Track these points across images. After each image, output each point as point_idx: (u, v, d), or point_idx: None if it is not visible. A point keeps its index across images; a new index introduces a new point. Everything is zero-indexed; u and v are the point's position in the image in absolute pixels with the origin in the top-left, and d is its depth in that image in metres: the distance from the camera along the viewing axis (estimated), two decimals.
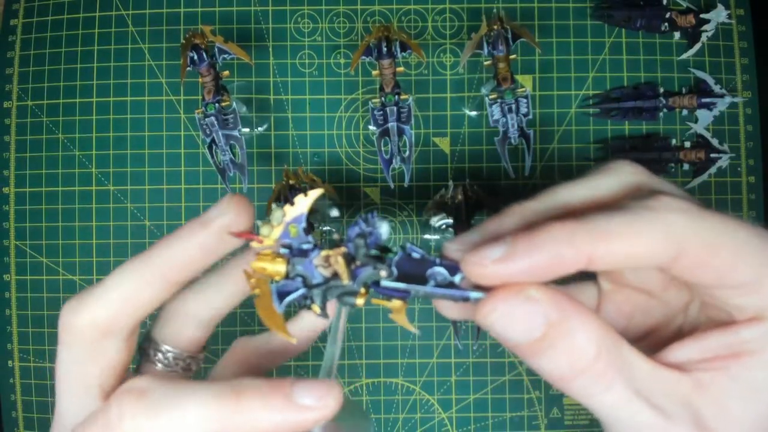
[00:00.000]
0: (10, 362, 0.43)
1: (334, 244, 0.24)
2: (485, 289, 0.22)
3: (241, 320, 0.43)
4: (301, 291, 0.24)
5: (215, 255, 0.25)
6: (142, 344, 0.29)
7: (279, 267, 0.24)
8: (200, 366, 0.30)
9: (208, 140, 0.39)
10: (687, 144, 0.42)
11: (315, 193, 0.24)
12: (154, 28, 0.43)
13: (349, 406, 0.26)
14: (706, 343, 0.24)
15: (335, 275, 0.24)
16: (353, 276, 0.24)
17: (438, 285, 0.23)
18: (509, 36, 0.38)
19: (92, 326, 0.25)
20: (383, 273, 0.23)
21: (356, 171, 0.43)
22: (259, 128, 0.43)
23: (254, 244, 0.24)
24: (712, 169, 0.42)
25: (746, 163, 0.43)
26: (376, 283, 0.24)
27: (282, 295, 0.24)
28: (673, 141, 0.42)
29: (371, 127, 0.40)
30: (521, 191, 0.43)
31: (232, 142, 0.40)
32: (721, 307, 0.25)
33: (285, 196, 0.40)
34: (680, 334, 0.27)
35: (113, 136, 0.43)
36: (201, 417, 0.21)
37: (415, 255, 0.23)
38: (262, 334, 0.32)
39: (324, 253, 0.24)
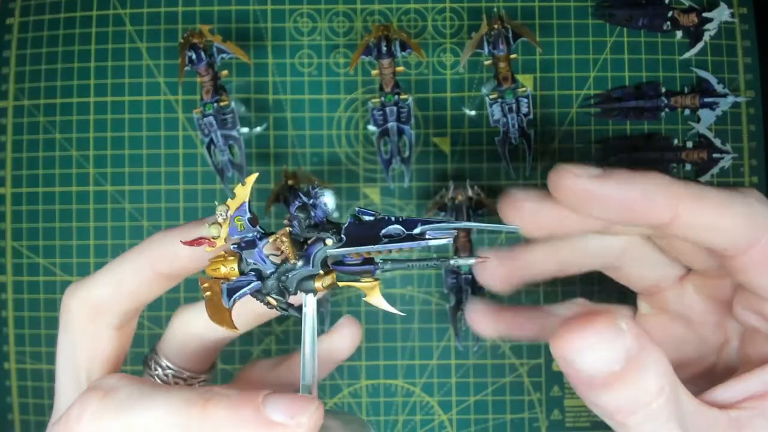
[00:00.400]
0: (6, 364, 0.43)
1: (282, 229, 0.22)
2: (449, 237, 0.20)
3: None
4: (254, 284, 0.22)
5: (203, 258, 0.24)
6: (145, 356, 0.29)
7: (231, 266, 0.22)
8: (204, 386, 0.29)
9: (207, 140, 0.39)
10: (689, 144, 0.42)
11: (251, 179, 0.23)
12: (151, 27, 0.43)
13: (345, 420, 0.24)
14: (749, 383, 0.23)
15: (286, 260, 0.22)
16: (304, 256, 0.22)
17: (392, 241, 0.21)
18: (510, 35, 0.38)
19: (84, 306, 0.25)
20: (329, 240, 0.21)
21: (356, 171, 0.43)
22: (258, 128, 0.42)
23: (208, 249, 0.23)
24: (715, 170, 0.42)
25: (749, 164, 0.42)
26: (338, 263, 0.22)
27: (232, 291, 0.22)
28: (675, 141, 0.42)
29: (371, 127, 0.40)
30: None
31: (230, 142, 0.39)
32: (761, 336, 0.24)
33: (284, 197, 0.40)
34: (713, 373, 0.27)
35: (111, 136, 0.43)
36: (163, 422, 0.20)
37: (367, 217, 0.22)
38: (274, 358, 0.31)
39: (271, 238, 0.22)
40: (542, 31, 0.42)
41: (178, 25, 0.43)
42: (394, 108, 0.39)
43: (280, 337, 0.43)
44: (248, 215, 0.22)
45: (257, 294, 0.23)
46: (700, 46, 0.42)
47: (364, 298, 0.22)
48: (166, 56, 0.43)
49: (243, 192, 0.23)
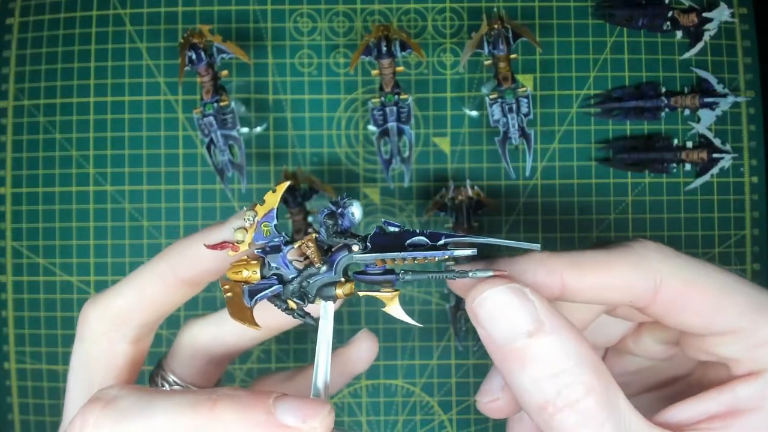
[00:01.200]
0: (6, 364, 0.43)
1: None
2: (473, 248, 0.21)
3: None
4: (276, 287, 0.23)
5: (226, 260, 0.24)
6: (152, 373, 0.29)
7: (254, 269, 0.23)
8: None
9: (207, 140, 0.39)
10: (689, 144, 0.42)
11: (283, 187, 0.23)
12: (151, 27, 0.43)
13: None
14: (706, 403, 0.23)
15: (309, 265, 0.23)
16: (328, 262, 0.22)
17: (416, 249, 0.21)
18: (510, 35, 0.38)
19: (103, 317, 0.25)
20: (354, 247, 0.22)
21: (356, 171, 0.43)
22: (258, 128, 0.42)
23: (230, 253, 0.23)
24: (715, 170, 0.41)
25: (749, 164, 0.42)
26: (359, 273, 0.23)
27: (254, 293, 0.23)
28: (675, 141, 0.42)
29: (371, 127, 0.40)
30: (521, 192, 0.43)
31: (230, 142, 0.39)
32: (717, 362, 0.25)
33: (284, 197, 0.39)
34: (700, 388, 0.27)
35: (111, 136, 0.42)
36: (170, 426, 0.20)
37: (393, 228, 0.22)
38: (284, 371, 0.31)
39: (297, 244, 0.23)
40: (542, 31, 0.42)
41: (178, 25, 0.43)
42: (394, 108, 0.39)
43: (280, 337, 0.43)
44: (275, 222, 0.23)
45: (276, 299, 0.23)
46: (700, 46, 0.42)
47: (383, 308, 0.23)
48: (166, 56, 0.43)
49: (273, 199, 0.23)
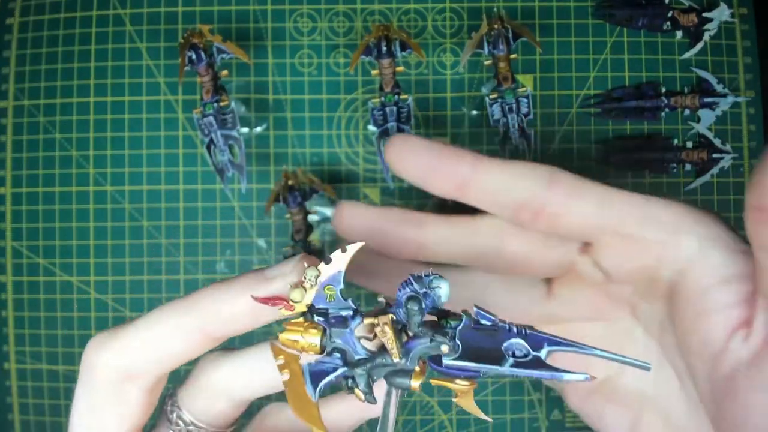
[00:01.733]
0: (6, 364, 0.43)
1: (380, 310, 0.20)
2: (585, 375, 0.18)
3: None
4: (341, 370, 0.20)
5: (267, 318, 0.21)
6: (164, 405, 0.26)
7: (313, 339, 0.20)
8: None
9: (207, 140, 0.39)
10: (689, 144, 0.42)
11: (355, 248, 0.20)
12: (151, 27, 0.43)
13: None
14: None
15: (382, 349, 0.19)
16: (405, 351, 0.19)
17: (519, 364, 0.18)
18: (510, 35, 0.38)
19: (116, 367, 0.22)
20: (445, 348, 0.19)
21: (356, 171, 0.43)
22: (258, 128, 0.42)
23: (283, 311, 0.20)
24: (715, 170, 0.41)
25: (749, 163, 0.42)
26: (435, 359, 0.19)
27: (316, 376, 0.20)
28: (675, 141, 0.42)
29: (371, 127, 0.40)
30: None
31: (230, 142, 0.39)
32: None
33: (284, 197, 0.40)
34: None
35: (111, 136, 0.42)
36: None
37: (485, 322, 0.19)
38: (284, 404, 0.28)
39: (368, 321, 0.20)
40: (542, 31, 0.42)
41: (178, 25, 0.43)
42: (394, 108, 0.39)
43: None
44: (341, 286, 0.20)
45: (340, 379, 0.20)
46: (700, 46, 0.42)
47: (454, 399, 0.20)
48: (166, 56, 0.43)
49: (341, 260, 0.20)
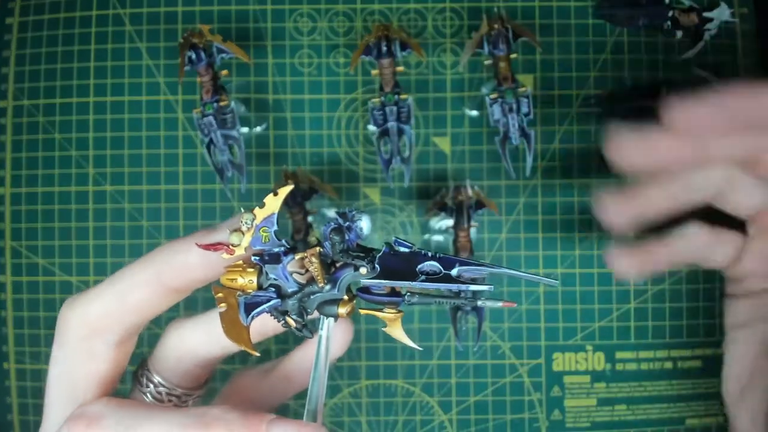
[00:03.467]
0: (6, 364, 0.43)
1: (310, 246, 0.21)
2: (490, 286, 0.20)
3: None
4: (273, 302, 0.21)
5: (216, 265, 0.23)
6: (136, 371, 0.28)
7: (250, 278, 0.21)
8: (197, 402, 0.28)
9: (206, 140, 0.39)
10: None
11: (285, 191, 0.22)
12: (151, 27, 0.42)
13: None
14: None
15: (311, 281, 0.21)
16: (331, 280, 0.21)
17: (430, 279, 0.20)
18: (510, 35, 0.38)
19: (83, 322, 0.24)
20: (363, 270, 0.21)
21: (355, 171, 0.43)
22: (258, 128, 0.42)
23: (225, 256, 0.22)
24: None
25: None
26: (363, 290, 0.21)
27: (250, 307, 0.21)
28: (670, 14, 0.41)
29: (371, 127, 0.40)
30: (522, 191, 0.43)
31: (230, 142, 0.39)
32: None
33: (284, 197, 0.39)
34: None
35: (110, 136, 0.42)
36: None
37: (403, 249, 0.21)
38: (260, 365, 0.30)
39: (298, 255, 0.21)
40: (542, 31, 0.42)
41: (177, 25, 0.42)
42: (394, 108, 0.39)
43: (280, 336, 0.43)
44: (275, 227, 0.22)
45: (275, 311, 0.22)
46: (700, 45, 0.42)
47: (383, 329, 0.22)
48: (165, 56, 0.43)
49: (273, 203, 0.22)
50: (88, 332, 0.24)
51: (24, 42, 0.42)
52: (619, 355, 0.42)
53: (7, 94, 0.43)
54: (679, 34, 0.42)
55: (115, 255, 0.42)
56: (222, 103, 0.39)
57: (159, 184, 0.42)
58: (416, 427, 0.43)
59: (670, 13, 0.41)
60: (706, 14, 0.41)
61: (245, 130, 0.42)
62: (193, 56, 0.38)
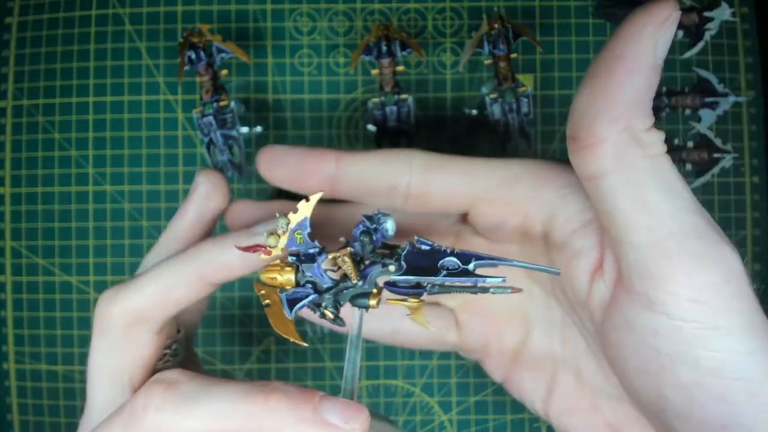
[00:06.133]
0: (5, 364, 0.42)
1: (341, 247, 0.24)
2: (502, 278, 0.23)
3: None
4: (312, 297, 0.24)
5: (254, 264, 0.25)
6: None
7: (288, 276, 0.24)
8: (186, 347, 0.30)
9: (206, 140, 0.39)
10: (690, 144, 0.42)
11: (316, 197, 0.24)
12: (151, 26, 0.42)
13: (379, 419, 0.26)
14: None
15: (344, 277, 0.24)
16: (362, 276, 0.24)
17: (450, 274, 0.23)
18: (510, 35, 0.38)
19: (125, 314, 0.25)
20: (391, 267, 0.23)
21: None
22: (258, 128, 0.42)
23: (263, 256, 0.24)
24: (715, 170, 0.41)
25: (750, 163, 0.42)
26: (389, 283, 0.24)
27: (292, 302, 0.24)
28: (676, 141, 0.42)
29: (371, 127, 0.40)
30: None
31: (230, 142, 0.39)
32: None
33: (189, 57, 0.39)
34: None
35: (110, 136, 0.42)
36: (227, 414, 0.22)
37: (424, 247, 0.23)
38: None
39: (331, 255, 0.24)
40: (542, 31, 0.42)
41: (177, 25, 0.42)
42: (394, 108, 0.39)
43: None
44: (308, 230, 0.24)
45: (312, 305, 0.24)
46: (701, 45, 0.42)
47: (407, 315, 0.24)
48: (165, 56, 0.43)
49: (306, 208, 0.24)
50: (131, 322, 0.26)
51: (23, 42, 0.42)
52: None
53: (6, 94, 0.43)
54: (680, 33, 0.42)
55: (114, 255, 0.42)
56: (222, 103, 0.38)
57: (159, 184, 0.42)
58: (416, 427, 0.43)
59: None
60: (706, 14, 0.41)
61: (245, 130, 0.42)
62: (193, 56, 0.38)
